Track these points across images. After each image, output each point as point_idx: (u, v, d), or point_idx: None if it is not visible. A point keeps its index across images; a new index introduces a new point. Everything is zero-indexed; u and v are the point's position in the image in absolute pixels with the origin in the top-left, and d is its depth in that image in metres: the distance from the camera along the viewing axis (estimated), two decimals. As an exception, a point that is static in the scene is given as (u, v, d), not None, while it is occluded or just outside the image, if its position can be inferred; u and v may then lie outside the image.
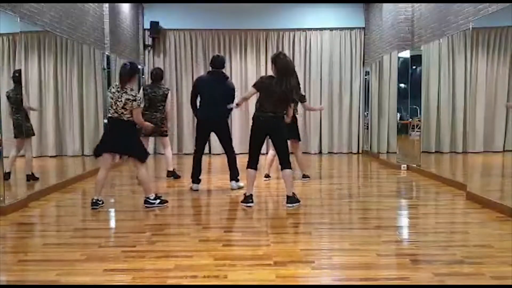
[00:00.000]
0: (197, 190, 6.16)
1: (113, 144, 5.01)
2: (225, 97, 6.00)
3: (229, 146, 6.24)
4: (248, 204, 5.09)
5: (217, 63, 6.13)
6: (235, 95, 6.19)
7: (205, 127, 6.15)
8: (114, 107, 4.86)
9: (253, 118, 5.22)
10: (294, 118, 6.39)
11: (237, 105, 5.70)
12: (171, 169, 7.19)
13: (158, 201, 5.12)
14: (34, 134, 6.05)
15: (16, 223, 4.53)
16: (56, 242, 3.96)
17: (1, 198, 4.82)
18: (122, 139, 4.96)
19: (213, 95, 5.98)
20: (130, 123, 4.92)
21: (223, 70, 6.20)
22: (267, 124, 5.08)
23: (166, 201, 5.22)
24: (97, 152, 5.16)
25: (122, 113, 4.86)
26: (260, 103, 5.10)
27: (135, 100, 4.83)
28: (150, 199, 5.08)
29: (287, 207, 5.02)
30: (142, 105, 5.01)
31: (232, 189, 6.13)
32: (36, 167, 6.17)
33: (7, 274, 3.13)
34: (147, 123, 5.22)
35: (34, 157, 6.15)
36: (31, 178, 5.97)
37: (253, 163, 5.19)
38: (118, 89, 4.87)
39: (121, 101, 4.83)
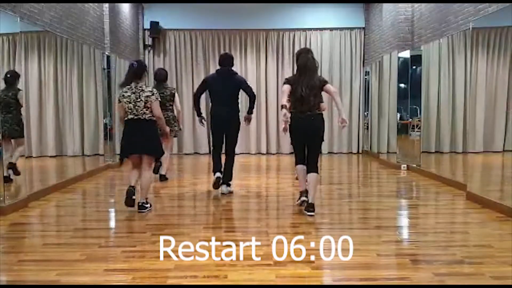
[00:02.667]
0: (219, 177, 5.79)
1: (134, 145, 4.96)
2: (233, 95, 5.93)
3: (232, 149, 6.00)
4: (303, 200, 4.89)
5: (224, 61, 6.02)
6: (249, 86, 6.06)
7: (219, 124, 5.95)
8: (135, 110, 4.86)
9: (290, 119, 4.90)
10: None
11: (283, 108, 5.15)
12: (164, 172, 6.95)
13: (149, 204, 5.02)
14: (22, 136, 5.79)
15: (16, 223, 4.53)
16: (56, 242, 3.96)
17: (1, 198, 4.82)
18: (142, 139, 4.94)
19: (222, 93, 5.89)
20: (151, 122, 4.95)
21: (231, 68, 6.05)
22: (305, 124, 4.87)
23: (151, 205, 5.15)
24: (123, 156, 5.11)
25: (144, 112, 4.88)
26: (292, 103, 4.90)
27: (153, 95, 4.90)
28: (145, 204, 4.96)
29: (308, 215, 4.63)
30: (159, 99, 5.02)
31: (222, 194, 5.85)
32: (36, 167, 6.17)
33: (7, 274, 3.13)
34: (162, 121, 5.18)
35: (34, 157, 6.14)
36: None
37: (300, 160, 4.98)
38: (134, 91, 4.86)
39: (141, 100, 4.84)
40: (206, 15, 10.86)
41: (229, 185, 5.94)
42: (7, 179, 5.39)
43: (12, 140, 5.54)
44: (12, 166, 5.70)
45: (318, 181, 5.04)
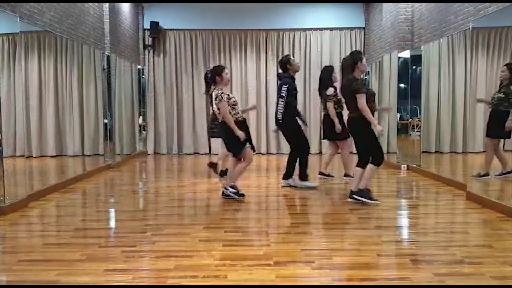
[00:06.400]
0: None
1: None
2: None
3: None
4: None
5: None
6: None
7: None
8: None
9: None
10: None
11: None
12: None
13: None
14: None
15: (16, 223, 4.54)
16: (56, 242, 3.96)
17: (1, 198, 4.82)
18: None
19: None
20: None
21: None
22: None
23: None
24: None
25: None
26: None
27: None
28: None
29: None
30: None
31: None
32: (36, 167, 6.19)
33: (7, 274, 3.13)
34: None
35: (34, 157, 6.16)
36: None
37: None
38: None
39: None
40: (206, 15, 10.87)
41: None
42: None
43: None
44: None
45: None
